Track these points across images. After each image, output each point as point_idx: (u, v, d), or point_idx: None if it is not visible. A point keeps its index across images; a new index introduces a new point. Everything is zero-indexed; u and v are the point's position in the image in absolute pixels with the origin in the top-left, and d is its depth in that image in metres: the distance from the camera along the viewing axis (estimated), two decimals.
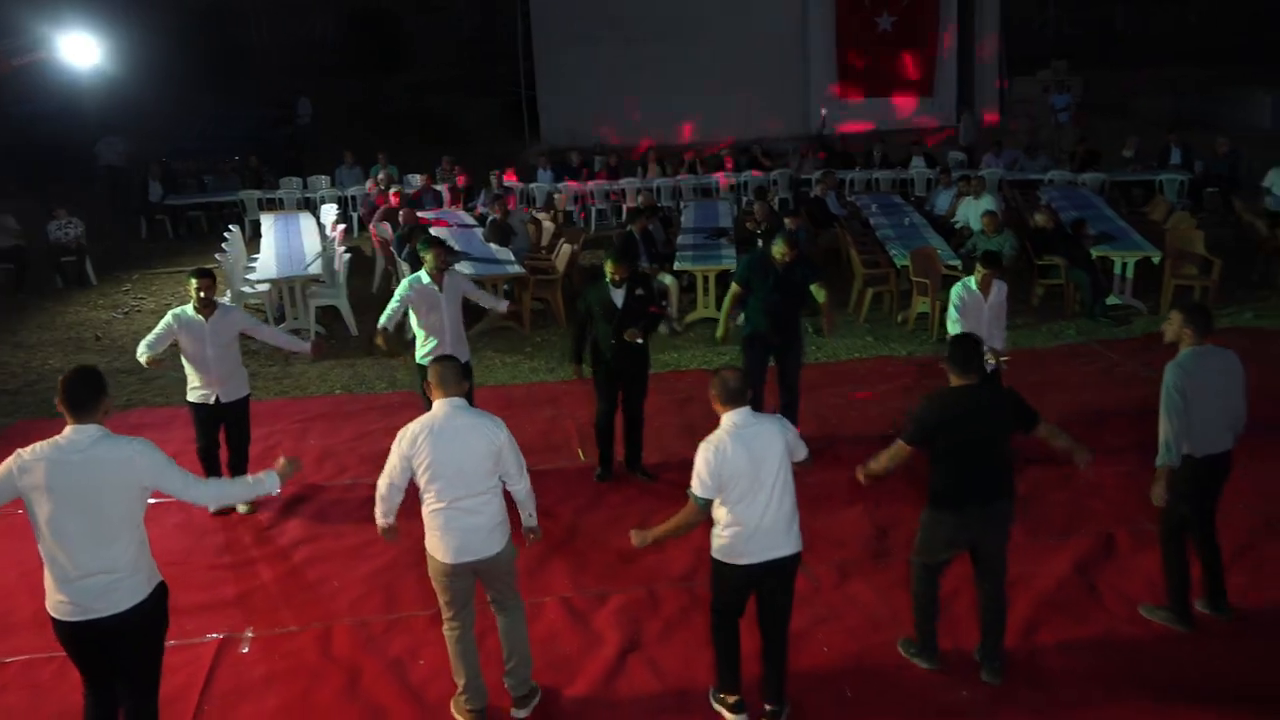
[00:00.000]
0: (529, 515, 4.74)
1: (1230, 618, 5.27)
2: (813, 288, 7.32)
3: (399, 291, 6.97)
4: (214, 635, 5.44)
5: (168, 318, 6.52)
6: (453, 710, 4.78)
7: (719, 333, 7.89)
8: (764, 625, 4.58)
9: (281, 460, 4.39)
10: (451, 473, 4.38)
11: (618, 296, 6.79)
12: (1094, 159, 15.68)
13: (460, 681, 4.66)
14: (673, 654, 5.18)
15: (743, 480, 4.31)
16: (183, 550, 6.35)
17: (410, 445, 4.40)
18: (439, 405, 4.46)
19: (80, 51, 10.47)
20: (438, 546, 4.49)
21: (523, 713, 4.73)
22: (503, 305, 7.69)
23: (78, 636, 3.93)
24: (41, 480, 3.78)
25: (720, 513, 4.37)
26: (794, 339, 7.40)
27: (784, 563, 4.43)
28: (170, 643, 5.16)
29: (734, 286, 7.47)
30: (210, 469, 6.76)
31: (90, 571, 3.84)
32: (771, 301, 7.21)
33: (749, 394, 4.50)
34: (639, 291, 6.84)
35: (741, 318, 7.67)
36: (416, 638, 5.39)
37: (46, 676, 5.14)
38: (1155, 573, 5.39)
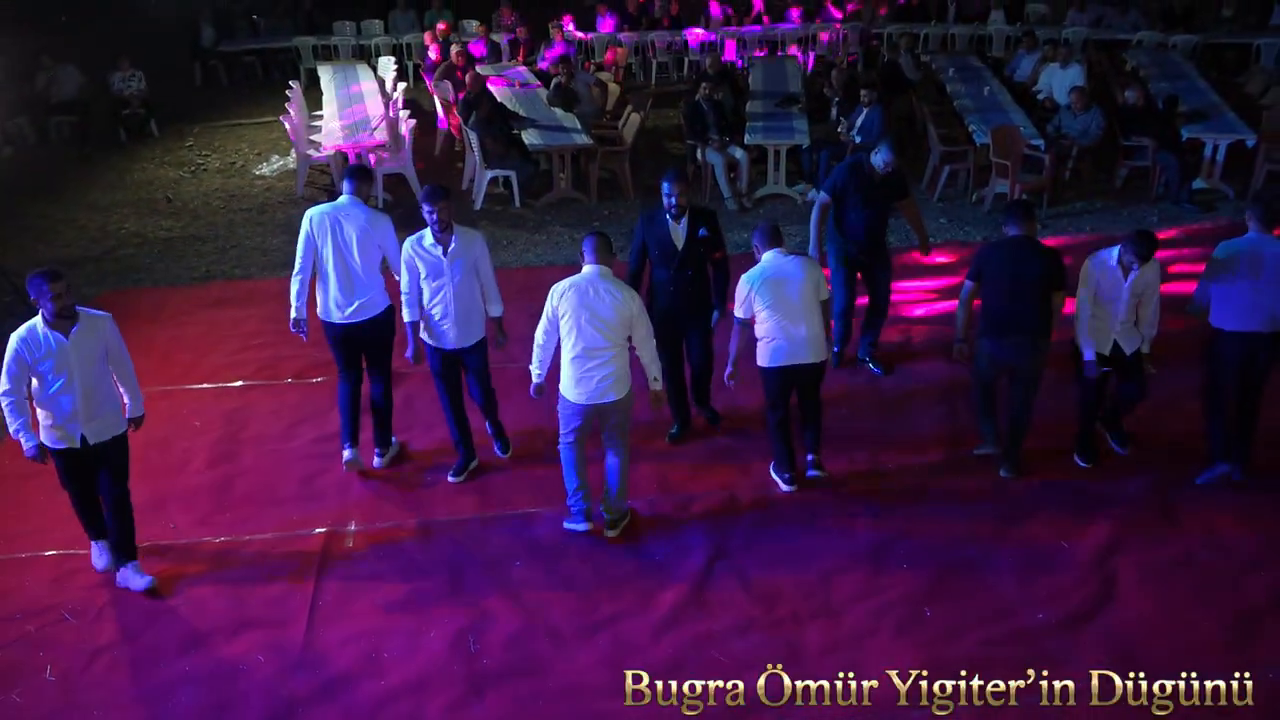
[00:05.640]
0: (654, 379, 5.54)
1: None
2: (903, 205, 7.17)
3: (402, 254, 5.80)
4: (319, 529, 5.73)
5: (13, 340, 4.94)
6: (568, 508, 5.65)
7: (812, 251, 6.88)
8: (802, 408, 6.01)
9: None
10: (585, 325, 5.22)
11: (678, 235, 6.04)
12: (1189, 16, 14.74)
13: (571, 486, 5.56)
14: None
15: (770, 305, 5.60)
16: (280, 433, 6.67)
17: (557, 298, 5.29)
18: (587, 269, 5.31)
19: None
20: (570, 389, 5.38)
21: (613, 533, 5.66)
22: (496, 310, 5.99)
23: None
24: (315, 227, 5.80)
25: (759, 329, 5.70)
26: (883, 251, 7.15)
27: (809, 368, 5.78)
28: (273, 534, 5.69)
29: (823, 197, 6.95)
30: (91, 521, 5.37)
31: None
32: (863, 215, 6.84)
33: (781, 237, 5.74)
34: (702, 231, 6.08)
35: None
36: (513, 536, 5.68)
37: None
38: None
